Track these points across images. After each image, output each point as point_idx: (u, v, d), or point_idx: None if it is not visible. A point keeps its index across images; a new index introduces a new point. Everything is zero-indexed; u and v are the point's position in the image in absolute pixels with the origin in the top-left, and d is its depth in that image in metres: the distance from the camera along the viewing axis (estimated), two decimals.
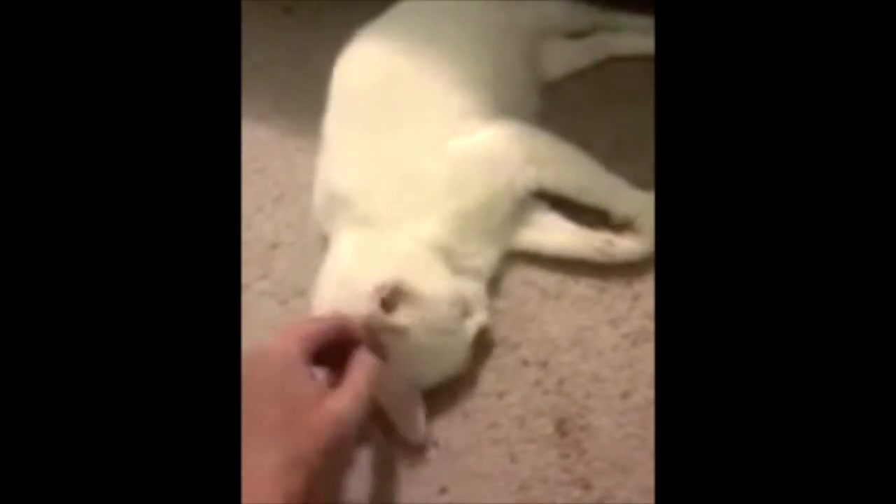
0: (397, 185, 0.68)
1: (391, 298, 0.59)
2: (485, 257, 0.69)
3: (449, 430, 0.64)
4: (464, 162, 0.68)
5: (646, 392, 0.62)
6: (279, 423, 0.44)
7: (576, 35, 0.84)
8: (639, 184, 0.69)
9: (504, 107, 0.72)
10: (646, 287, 0.67)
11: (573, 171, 0.69)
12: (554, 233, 0.70)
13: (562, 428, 0.63)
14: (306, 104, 0.90)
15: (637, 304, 0.67)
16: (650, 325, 0.65)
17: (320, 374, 0.52)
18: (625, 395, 0.63)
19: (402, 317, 0.59)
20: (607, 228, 0.69)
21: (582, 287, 0.69)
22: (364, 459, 0.63)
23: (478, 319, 0.65)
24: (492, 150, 0.69)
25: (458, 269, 0.66)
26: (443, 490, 0.62)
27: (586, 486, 0.60)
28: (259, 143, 0.88)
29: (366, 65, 0.76)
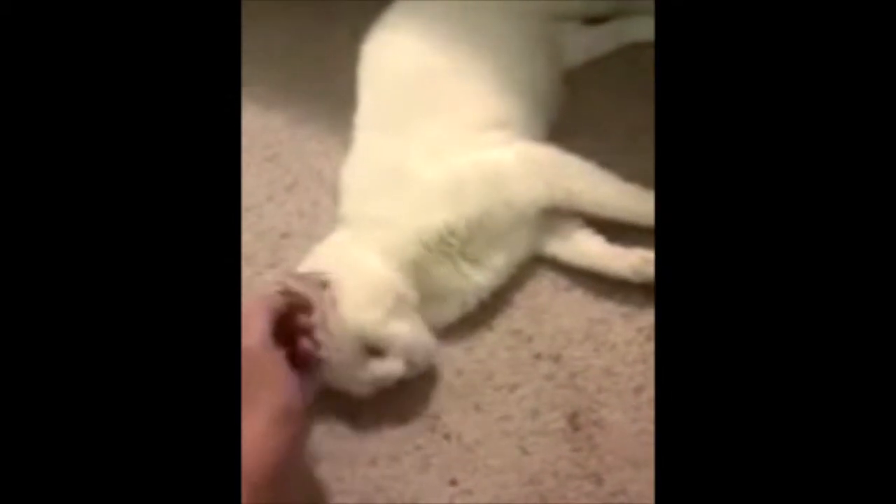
0: (386, 188, 0.69)
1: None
2: (485, 269, 0.69)
3: (461, 421, 0.66)
4: (466, 175, 0.68)
5: None
6: (264, 392, 0.55)
7: (594, 21, 0.84)
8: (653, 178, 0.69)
9: (526, 96, 0.72)
10: None
11: (589, 187, 0.68)
12: (587, 249, 0.69)
13: (574, 422, 0.64)
14: (318, 91, 0.91)
15: (652, 298, 0.67)
16: None
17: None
18: (638, 390, 0.64)
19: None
20: (644, 247, 0.67)
21: (596, 280, 0.70)
22: (373, 449, 0.66)
23: (389, 367, 0.64)
24: (497, 167, 0.68)
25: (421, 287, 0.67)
26: (453, 481, 0.63)
27: (598, 481, 0.61)
28: (270, 130, 0.89)
29: (386, 56, 0.77)
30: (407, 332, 0.64)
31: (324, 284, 0.65)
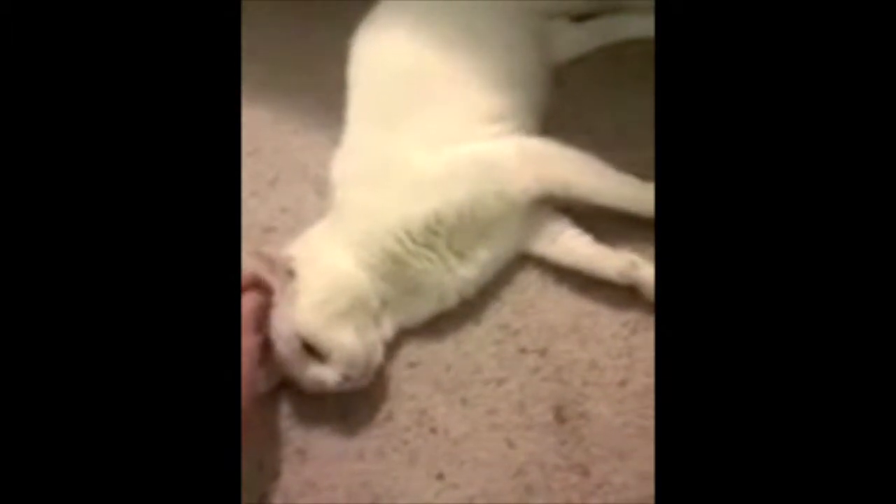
0: (376, 178, 0.71)
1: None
2: (469, 263, 0.70)
3: (447, 415, 0.68)
4: (460, 163, 0.70)
5: (644, 380, 0.66)
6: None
7: (582, 18, 0.86)
8: (643, 171, 0.71)
9: (518, 91, 0.74)
10: None
11: (586, 178, 0.70)
12: (574, 249, 0.71)
13: (560, 415, 0.66)
14: (301, 85, 0.92)
15: (637, 293, 0.69)
16: (650, 314, 0.69)
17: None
18: (623, 383, 0.67)
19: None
20: (631, 246, 0.70)
21: (582, 275, 0.72)
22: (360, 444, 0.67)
23: (325, 374, 0.65)
24: (493, 157, 0.70)
25: (407, 278, 0.68)
26: (440, 475, 0.65)
27: (584, 472, 0.63)
28: (253, 125, 0.90)
29: (377, 53, 0.78)
30: (349, 342, 0.64)
31: (290, 273, 0.67)
